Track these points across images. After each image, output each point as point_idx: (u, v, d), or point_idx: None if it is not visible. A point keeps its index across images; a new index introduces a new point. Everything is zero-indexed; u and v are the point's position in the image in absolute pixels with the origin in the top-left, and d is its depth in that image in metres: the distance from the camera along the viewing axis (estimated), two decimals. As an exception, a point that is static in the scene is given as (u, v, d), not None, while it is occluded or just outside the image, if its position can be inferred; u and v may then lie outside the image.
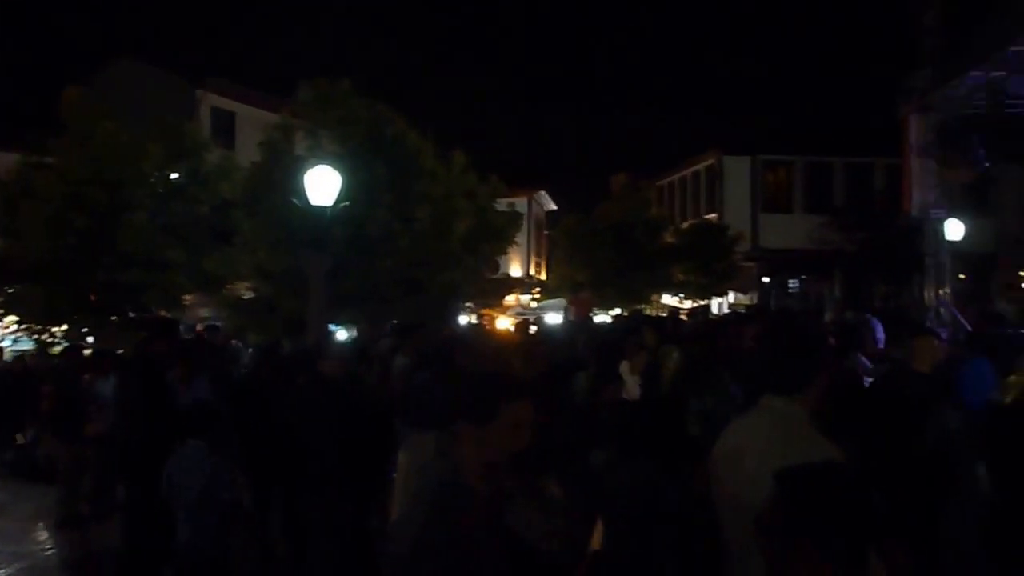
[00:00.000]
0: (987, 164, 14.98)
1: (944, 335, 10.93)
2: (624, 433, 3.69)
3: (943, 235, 15.54)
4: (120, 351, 12.33)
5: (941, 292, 15.47)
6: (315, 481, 5.85)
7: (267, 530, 6.94)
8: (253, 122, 23.02)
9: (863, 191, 29.22)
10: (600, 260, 26.76)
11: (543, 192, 40.70)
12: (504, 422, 2.30)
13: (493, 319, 25.18)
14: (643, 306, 26.33)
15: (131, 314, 16.92)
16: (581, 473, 3.72)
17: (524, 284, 36.77)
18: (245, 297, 17.53)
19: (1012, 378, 4.48)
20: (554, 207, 42.18)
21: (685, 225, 31.45)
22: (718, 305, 29.17)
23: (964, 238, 16.04)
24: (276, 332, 14.60)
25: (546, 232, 41.62)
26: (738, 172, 31.66)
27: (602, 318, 23.51)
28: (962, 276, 18.81)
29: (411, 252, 16.33)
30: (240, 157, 19.70)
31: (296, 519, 6.36)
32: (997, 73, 13.57)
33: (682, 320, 16.30)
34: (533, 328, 14.07)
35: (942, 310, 15.07)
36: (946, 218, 15.54)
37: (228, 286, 17.66)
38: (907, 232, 18.07)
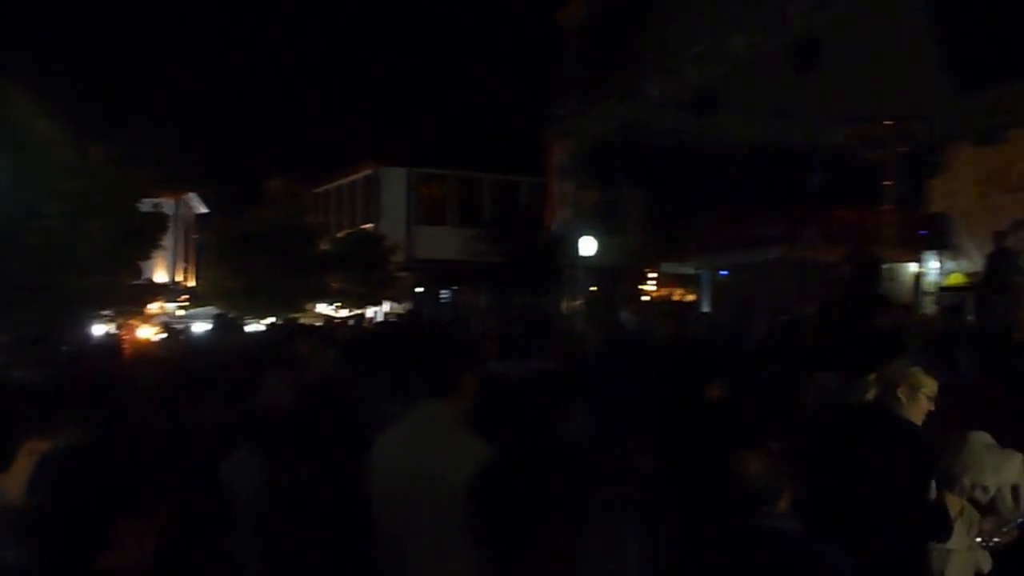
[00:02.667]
0: (618, 188, 16.56)
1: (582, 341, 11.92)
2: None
3: (578, 250, 16.93)
4: None
5: (576, 302, 16.85)
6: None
7: None
8: None
9: (510, 207, 31.01)
10: (253, 267, 25.84)
11: (193, 194, 38.50)
12: None
13: (134, 328, 23.31)
14: (298, 315, 25.86)
15: None
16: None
17: (170, 291, 34.54)
18: None
19: (871, 377, 4.85)
20: (205, 210, 40.04)
21: (342, 234, 31.39)
22: (374, 314, 29.43)
23: (595, 253, 17.60)
24: None
25: (196, 236, 39.42)
26: (395, 183, 32.20)
27: (255, 327, 22.71)
28: (593, 288, 20.60)
29: (39, 253, 14.65)
30: None
31: None
32: (630, 107, 15.00)
33: (337, 328, 16.29)
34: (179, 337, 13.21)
35: (578, 318, 16.41)
36: (581, 235, 16.95)
37: None
38: (548, 246, 19.49)
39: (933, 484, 3.92)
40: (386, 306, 30.58)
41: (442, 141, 32.20)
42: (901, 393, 4.05)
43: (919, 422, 4.07)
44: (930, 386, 4.12)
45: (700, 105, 13.18)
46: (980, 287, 12.47)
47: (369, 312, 28.64)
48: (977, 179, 15.56)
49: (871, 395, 4.21)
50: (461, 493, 2.60)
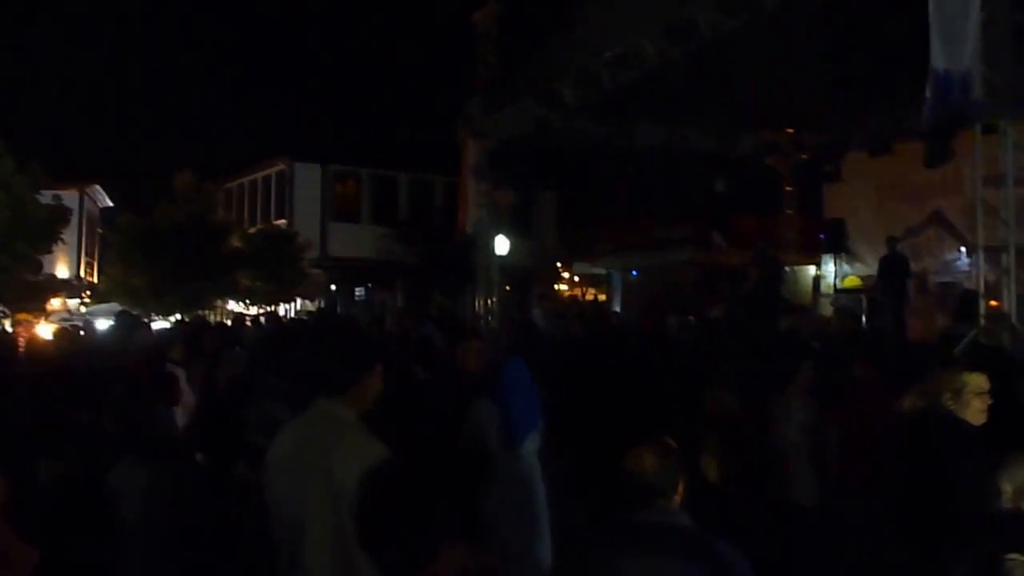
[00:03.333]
0: (532, 189, 16.62)
1: (492, 340, 12.02)
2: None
3: (492, 250, 16.97)
4: None
5: (489, 302, 16.90)
6: None
7: None
8: None
9: (425, 206, 30.92)
10: (160, 263, 25.16)
11: (98, 187, 37.28)
12: None
13: (33, 325, 22.46)
14: (206, 312, 25.34)
15: None
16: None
17: (73, 287, 33.39)
18: None
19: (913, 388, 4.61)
20: (111, 204, 38.81)
21: (253, 230, 30.85)
22: (285, 311, 29.04)
23: (509, 254, 17.69)
24: None
25: (100, 231, 38.17)
26: (309, 180, 31.75)
27: (161, 324, 22.17)
28: (508, 288, 20.73)
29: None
30: None
31: None
32: (542, 109, 15.08)
33: (246, 325, 16.03)
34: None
35: (491, 318, 16.48)
36: (495, 235, 16.99)
37: None
38: (462, 246, 19.50)
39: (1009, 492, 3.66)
40: (299, 304, 30.19)
41: (357, 138, 31.93)
42: (947, 400, 3.95)
43: (977, 420, 3.93)
44: (975, 382, 3.95)
45: (612, 109, 13.36)
46: (873, 290, 13.01)
47: (281, 310, 28.25)
48: (872, 188, 16.20)
49: (916, 404, 4.15)
50: (353, 494, 2.60)
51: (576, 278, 30.04)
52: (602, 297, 27.96)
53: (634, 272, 24.30)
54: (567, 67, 13.57)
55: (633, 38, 11.91)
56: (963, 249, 13.34)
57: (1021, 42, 7.26)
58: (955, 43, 7.04)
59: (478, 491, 5.06)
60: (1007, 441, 3.85)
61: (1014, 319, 7.73)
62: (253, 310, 26.27)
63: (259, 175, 34.30)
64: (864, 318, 12.11)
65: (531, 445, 5.75)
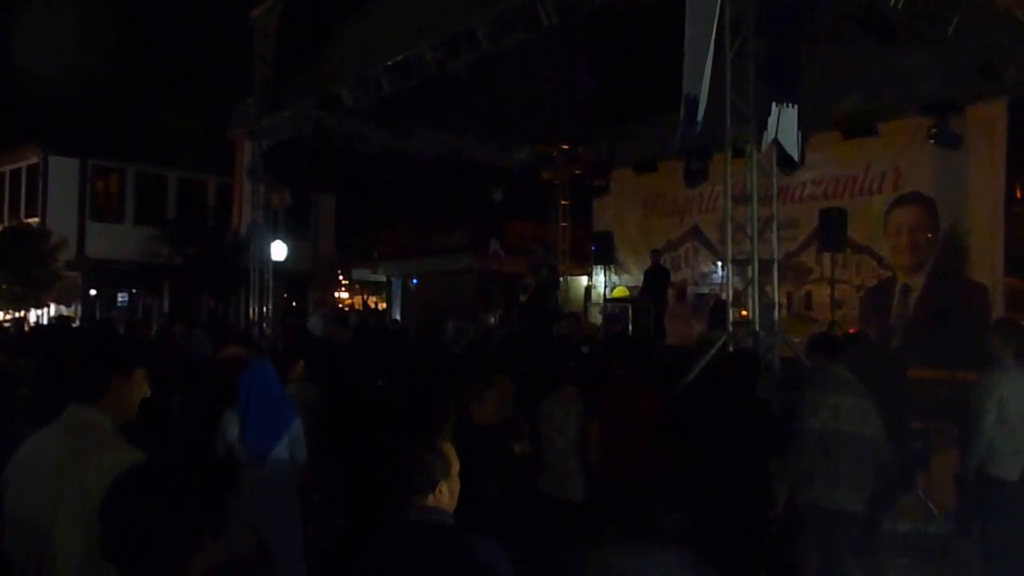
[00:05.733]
0: (309, 192, 16.27)
1: (265, 346, 11.65)
2: None
3: (267, 254, 16.44)
4: None
5: (265, 308, 16.36)
6: None
7: None
8: None
9: (196, 206, 29.51)
10: None
11: None
12: None
13: None
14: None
15: None
16: None
17: None
18: None
19: None
20: None
21: (-1, 228, 28.18)
22: (37, 316, 26.73)
23: (285, 258, 17.22)
24: None
25: None
26: (65, 175, 29.35)
27: None
28: (285, 294, 20.17)
29: None
30: None
31: None
32: (320, 111, 14.75)
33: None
34: None
35: (266, 324, 15.96)
36: (270, 239, 16.48)
37: None
38: (235, 249, 18.78)
39: None
40: (53, 309, 27.87)
41: (121, 131, 29.89)
42: None
43: None
44: None
45: (391, 115, 13.37)
46: (638, 299, 13.79)
47: (32, 316, 25.98)
48: (638, 203, 17.18)
49: None
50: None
51: (353, 284, 29.75)
52: (382, 305, 27.88)
53: (414, 280, 24.40)
54: (346, 70, 13.44)
55: (413, 45, 11.98)
56: (718, 263, 14.38)
57: (762, 74, 7.92)
58: (702, 72, 7.62)
59: (222, 503, 4.98)
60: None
61: (756, 326, 8.37)
62: (-1, 315, 23.98)
63: (7, 168, 31.33)
64: (629, 325, 12.79)
65: (279, 453, 5.61)
